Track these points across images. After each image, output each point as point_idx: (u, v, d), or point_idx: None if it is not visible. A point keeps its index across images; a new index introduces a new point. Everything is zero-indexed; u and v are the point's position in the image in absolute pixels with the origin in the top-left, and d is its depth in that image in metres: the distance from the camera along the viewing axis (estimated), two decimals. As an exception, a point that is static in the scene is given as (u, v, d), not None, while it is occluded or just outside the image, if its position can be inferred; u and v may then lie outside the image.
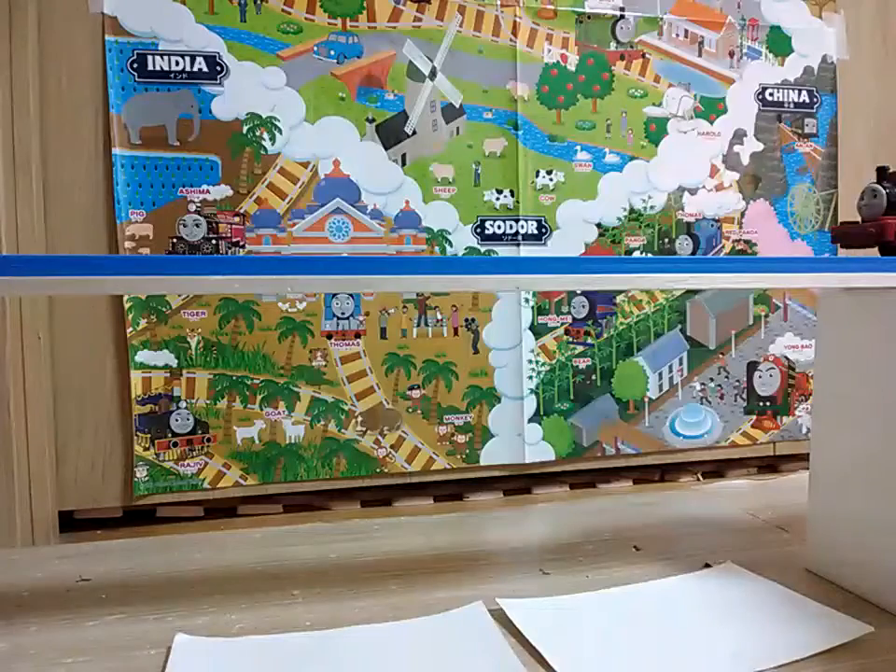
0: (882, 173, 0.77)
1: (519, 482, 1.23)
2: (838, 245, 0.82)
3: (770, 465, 1.34)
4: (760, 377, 1.31)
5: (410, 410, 1.17)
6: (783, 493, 1.16)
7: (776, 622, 0.69)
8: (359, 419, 1.15)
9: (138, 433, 1.07)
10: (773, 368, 1.31)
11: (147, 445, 1.07)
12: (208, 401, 1.10)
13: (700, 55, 1.26)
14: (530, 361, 1.21)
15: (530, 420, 1.21)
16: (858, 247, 0.78)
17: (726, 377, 1.30)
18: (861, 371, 0.75)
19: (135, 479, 1.07)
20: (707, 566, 0.83)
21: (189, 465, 1.09)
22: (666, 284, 0.66)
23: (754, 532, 0.97)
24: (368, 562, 0.88)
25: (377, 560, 0.89)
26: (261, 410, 1.12)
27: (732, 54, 1.27)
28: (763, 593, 0.76)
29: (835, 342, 0.80)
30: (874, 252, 0.78)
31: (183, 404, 1.09)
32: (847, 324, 0.78)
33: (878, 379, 0.73)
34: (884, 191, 0.75)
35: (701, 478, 1.30)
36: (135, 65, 1.05)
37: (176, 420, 1.09)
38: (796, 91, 1.30)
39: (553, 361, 1.22)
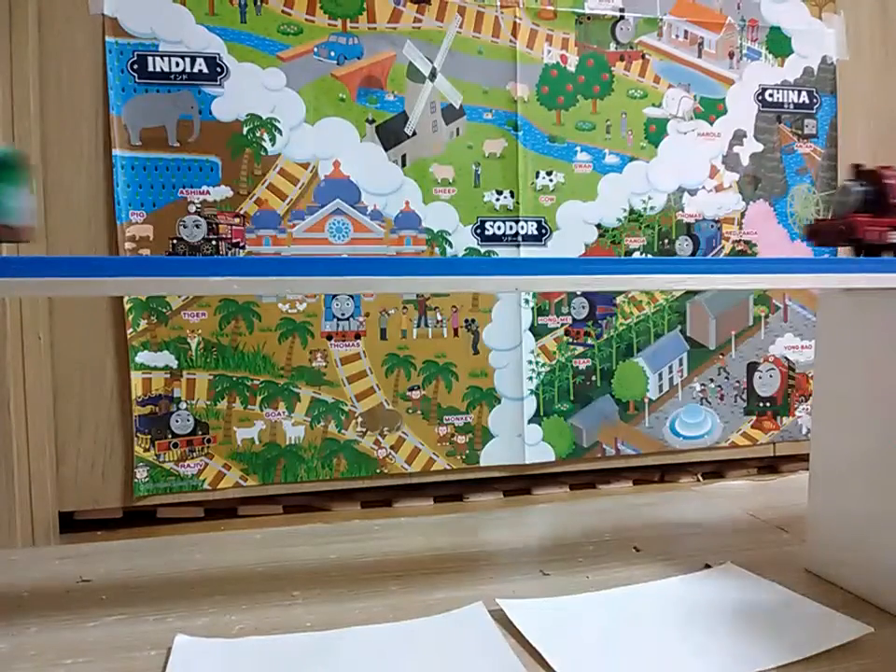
0: (857, 170, 0.76)
1: (519, 482, 1.23)
2: (814, 242, 0.81)
3: (770, 465, 1.34)
4: (760, 378, 1.31)
5: (410, 410, 1.17)
6: (783, 493, 1.16)
7: (776, 622, 0.69)
8: (359, 420, 1.15)
9: (138, 434, 1.07)
10: (773, 368, 1.32)
11: (147, 446, 1.08)
12: (208, 402, 1.10)
13: (700, 56, 1.26)
14: (530, 362, 1.21)
15: (530, 421, 1.21)
16: (830, 245, 0.77)
17: (726, 378, 1.30)
18: (861, 371, 0.75)
19: (135, 479, 1.07)
20: (707, 566, 0.83)
21: (189, 466, 1.09)
22: (666, 285, 0.66)
23: (754, 532, 0.96)
24: (368, 562, 0.88)
25: (377, 561, 0.89)
26: (261, 411, 1.12)
27: (731, 55, 1.28)
28: (763, 593, 0.76)
29: (835, 342, 0.80)
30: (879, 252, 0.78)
31: (183, 405, 1.09)
32: (847, 324, 0.78)
33: (878, 379, 0.73)
34: (856, 188, 0.74)
35: (701, 478, 1.30)
36: (135, 66, 1.05)
37: (177, 421, 1.09)
38: (796, 92, 1.30)
39: (553, 362, 1.22)
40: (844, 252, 0.79)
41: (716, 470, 1.32)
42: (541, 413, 1.22)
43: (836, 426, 0.79)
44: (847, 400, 0.77)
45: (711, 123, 1.27)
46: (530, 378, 1.21)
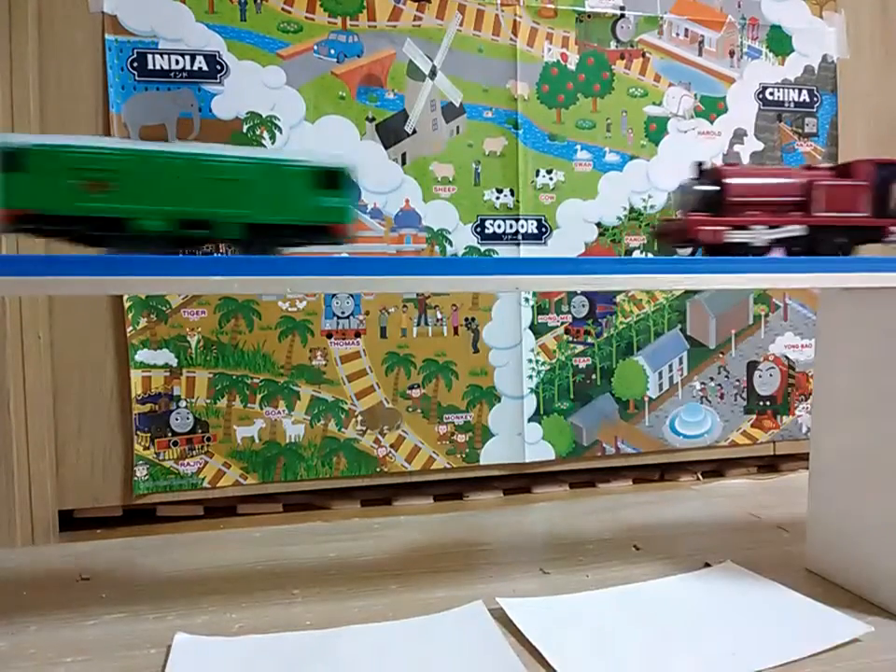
0: (699, 169, 0.75)
1: (519, 481, 1.23)
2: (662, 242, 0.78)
3: (770, 464, 1.34)
4: (760, 376, 1.31)
5: (410, 409, 1.17)
6: (783, 493, 1.16)
7: (776, 621, 0.69)
8: (359, 418, 1.15)
9: (138, 432, 1.07)
10: (773, 367, 1.31)
11: (146, 444, 1.07)
12: (208, 400, 1.10)
13: (700, 54, 1.26)
14: (530, 360, 1.21)
15: (530, 419, 1.21)
16: (674, 245, 0.75)
17: (726, 377, 1.30)
18: (861, 370, 0.75)
19: (135, 478, 1.07)
20: (707, 565, 0.83)
21: (188, 464, 1.09)
22: (666, 284, 0.66)
23: (754, 532, 0.97)
24: (367, 561, 0.88)
25: (377, 559, 0.89)
26: (261, 409, 1.12)
27: (732, 53, 1.27)
28: (763, 593, 0.76)
29: (835, 341, 0.80)
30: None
31: (183, 403, 1.09)
32: (847, 323, 0.78)
33: (878, 378, 0.73)
34: (695, 187, 0.73)
35: (701, 477, 1.30)
36: (135, 64, 1.05)
37: (176, 419, 1.09)
38: (796, 91, 1.30)
39: (553, 360, 1.22)
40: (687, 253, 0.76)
41: (716, 469, 1.32)
42: (541, 412, 1.22)
43: (836, 425, 0.79)
44: (847, 399, 0.77)
45: (712, 122, 1.27)
46: (530, 377, 1.21)
